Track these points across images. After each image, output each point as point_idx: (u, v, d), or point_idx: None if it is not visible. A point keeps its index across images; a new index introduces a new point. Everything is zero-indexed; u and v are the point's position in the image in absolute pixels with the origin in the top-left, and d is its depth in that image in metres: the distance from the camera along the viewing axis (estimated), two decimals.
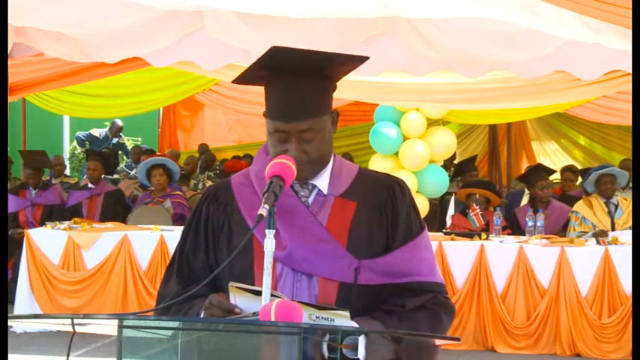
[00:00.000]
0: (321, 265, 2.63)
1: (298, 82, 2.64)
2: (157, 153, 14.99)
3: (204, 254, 2.78)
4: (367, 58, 2.71)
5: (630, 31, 4.90)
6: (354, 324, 2.52)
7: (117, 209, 10.23)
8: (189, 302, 2.64)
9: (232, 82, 2.78)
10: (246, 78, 2.71)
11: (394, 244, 2.71)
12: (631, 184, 11.02)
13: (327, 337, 2.31)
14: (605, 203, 8.80)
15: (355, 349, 2.34)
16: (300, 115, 2.62)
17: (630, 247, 7.74)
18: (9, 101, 7.86)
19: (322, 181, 2.74)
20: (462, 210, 9.37)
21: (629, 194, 9.94)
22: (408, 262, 2.70)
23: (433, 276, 2.74)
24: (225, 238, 2.75)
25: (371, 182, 2.79)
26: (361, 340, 2.34)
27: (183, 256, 2.81)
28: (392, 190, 2.77)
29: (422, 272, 2.71)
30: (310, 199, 2.73)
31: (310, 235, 2.65)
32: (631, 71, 4.68)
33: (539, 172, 9.62)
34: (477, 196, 9.32)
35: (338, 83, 2.76)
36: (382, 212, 2.73)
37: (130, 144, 17.10)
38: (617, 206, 8.76)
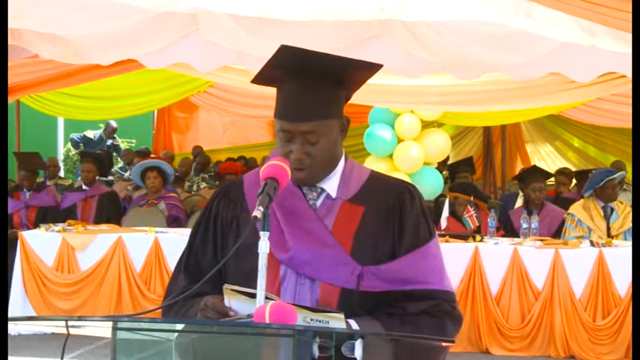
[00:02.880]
0: (323, 269, 2.62)
1: (306, 83, 2.63)
2: (151, 154, 14.98)
3: (212, 251, 2.77)
4: (381, 65, 2.70)
5: (625, 33, 4.91)
6: (354, 324, 2.52)
7: (111, 211, 10.22)
8: (192, 299, 2.63)
9: (251, 82, 2.77)
10: (261, 77, 2.70)
11: (400, 251, 2.68)
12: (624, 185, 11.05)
13: (320, 339, 2.30)
14: (602, 207, 8.77)
15: (352, 350, 2.34)
16: (305, 117, 2.61)
17: (624, 249, 7.76)
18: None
19: (331, 185, 2.72)
20: (452, 212, 9.32)
21: (622, 196, 9.94)
22: (415, 270, 2.66)
23: (441, 284, 2.70)
24: (233, 236, 2.74)
25: (381, 187, 2.76)
26: (358, 342, 2.34)
27: (192, 251, 2.81)
28: (401, 196, 2.74)
29: (429, 280, 2.67)
30: (318, 202, 2.71)
31: (315, 238, 2.63)
32: (630, 73, 4.70)
33: (534, 173, 9.62)
34: (472, 198, 9.35)
35: None
36: (389, 218, 2.70)
37: (124, 146, 17.08)
38: (612, 210, 8.75)
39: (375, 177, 2.81)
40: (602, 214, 8.72)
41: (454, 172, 11.74)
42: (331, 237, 2.64)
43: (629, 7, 4.62)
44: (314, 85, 2.63)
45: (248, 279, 2.55)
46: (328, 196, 2.72)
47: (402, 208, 2.72)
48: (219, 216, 2.78)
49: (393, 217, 2.71)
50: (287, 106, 2.65)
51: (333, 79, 2.66)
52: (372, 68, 2.71)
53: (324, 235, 2.64)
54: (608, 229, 8.67)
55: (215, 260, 2.75)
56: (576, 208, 8.85)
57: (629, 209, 8.66)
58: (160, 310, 2.73)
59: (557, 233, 8.92)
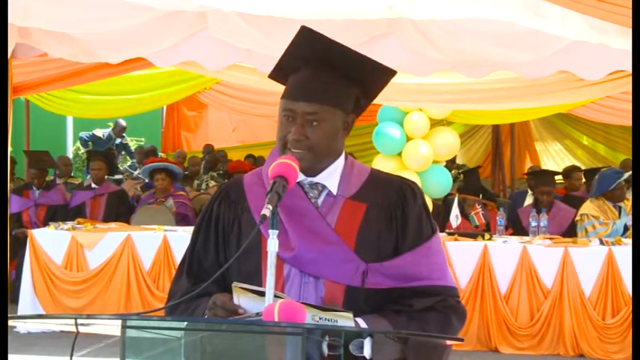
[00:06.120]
0: (327, 267, 2.62)
1: (319, 69, 2.65)
2: (160, 154, 14.98)
3: (215, 252, 2.77)
4: (395, 72, 2.71)
5: None
6: (362, 323, 2.52)
7: (120, 209, 10.24)
8: (196, 300, 2.63)
9: (269, 75, 2.78)
10: (280, 65, 2.71)
11: (404, 248, 2.68)
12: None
13: (329, 338, 2.31)
14: (613, 206, 8.76)
15: (361, 348, 2.34)
16: (309, 98, 2.63)
17: None
18: (12, 98, 7.88)
19: (332, 182, 2.72)
20: (461, 212, 9.30)
21: (629, 194, 9.91)
22: (418, 266, 2.67)
23: (444, 280, 2.71)
24: (235, 237, 2.73)
25: (382, 184, 2.76)
26: (367, 340, 2.34)
27: (194, 253, 2.80)
28: (403, 192, 2.74)
29: (433, 276, 2.68)
30: (320, 200, 2.71)
31: (318, 237, 2.63)
32: (631, 71, 4.68)
33: (543, 176, 9.62)
34: (480, 197, 9.36)
35: None
36: (392, 215, 2.71)
37: (133, 144, 17.09)
38: (621, 208, 8.74)
39: (375, 174, 2.81)
40: (617, 212, 8.73)
41: (465, 178, 11.66)
42: (335, 235, 2.64)
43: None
44: (326, 73, 2.65)
45: (250, 278, 2.57)
46: (329, 193, 2.72)
47: (405, 205, 2.72)
48: (220, 217, 2.78)
49: (395, 213, 2.71)
50: (295, 87, 2.67)
51: (345, 73, 2.67)
52: (386, 72, 2.72)
53: (327, 233, 2.64)
54: (624, 226, 8.67)
55: (218, 261, 2.75)
56: (591, 208, 8.80)
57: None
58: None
59: (568, 232, 8.89)
